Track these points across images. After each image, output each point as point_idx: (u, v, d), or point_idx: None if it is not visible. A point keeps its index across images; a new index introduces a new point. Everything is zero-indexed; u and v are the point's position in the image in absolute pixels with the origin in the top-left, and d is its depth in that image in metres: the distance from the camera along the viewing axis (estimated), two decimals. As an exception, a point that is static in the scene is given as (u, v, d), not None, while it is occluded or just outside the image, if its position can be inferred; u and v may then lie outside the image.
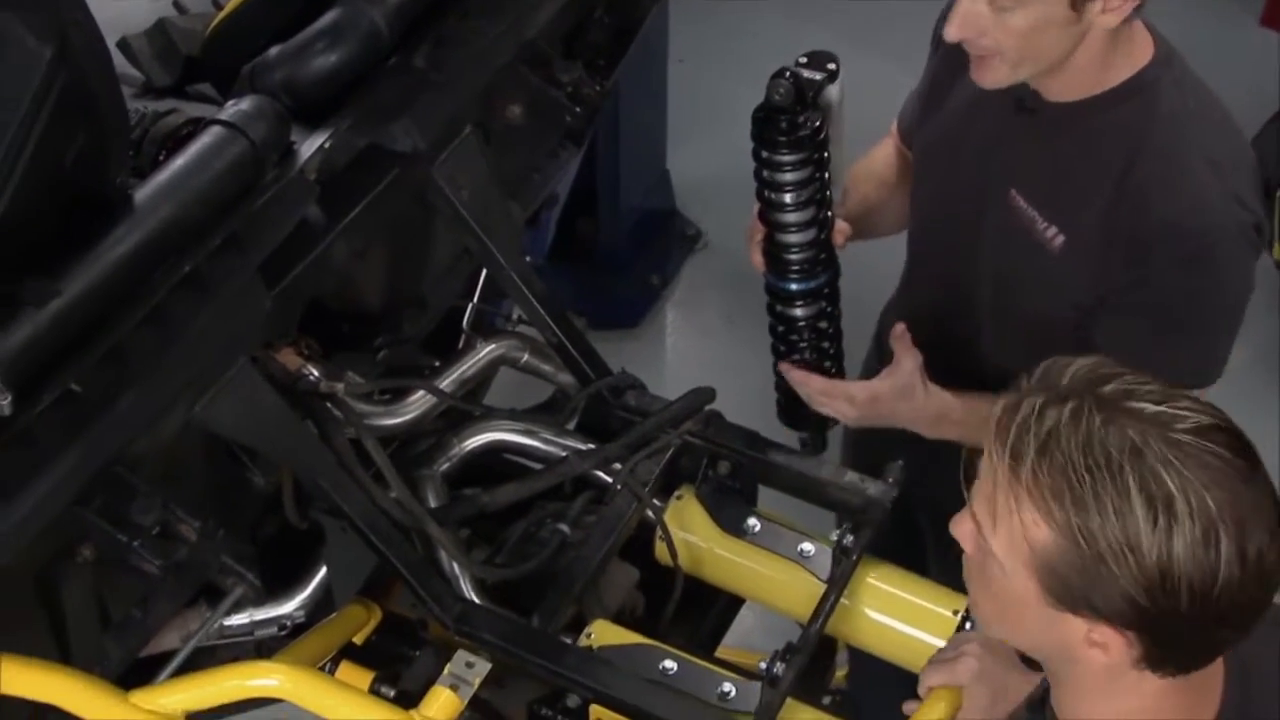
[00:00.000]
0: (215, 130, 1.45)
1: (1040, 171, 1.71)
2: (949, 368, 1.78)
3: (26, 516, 1.26)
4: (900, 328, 1.78)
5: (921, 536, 2.09)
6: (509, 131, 1.88)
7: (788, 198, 1.76)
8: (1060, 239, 1.69)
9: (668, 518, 1.69)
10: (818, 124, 1.72)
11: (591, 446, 1.74)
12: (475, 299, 1.92)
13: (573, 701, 1.53)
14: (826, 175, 1.77)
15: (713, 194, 3.51)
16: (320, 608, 1.67)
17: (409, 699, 1.48)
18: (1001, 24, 1.55)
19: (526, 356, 1.84)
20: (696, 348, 3.34)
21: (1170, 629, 1.10)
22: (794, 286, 1.83)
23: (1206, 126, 1.66)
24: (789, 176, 1.74)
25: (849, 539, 1.64)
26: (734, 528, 1.70)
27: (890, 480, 1.70)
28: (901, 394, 1.74)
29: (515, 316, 1.90)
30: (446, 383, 1.76)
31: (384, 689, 1.61)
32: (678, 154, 3.46)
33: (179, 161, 1.42)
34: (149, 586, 1.52)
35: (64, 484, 1.30)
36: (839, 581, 1.61)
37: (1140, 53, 1.64)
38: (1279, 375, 3.15)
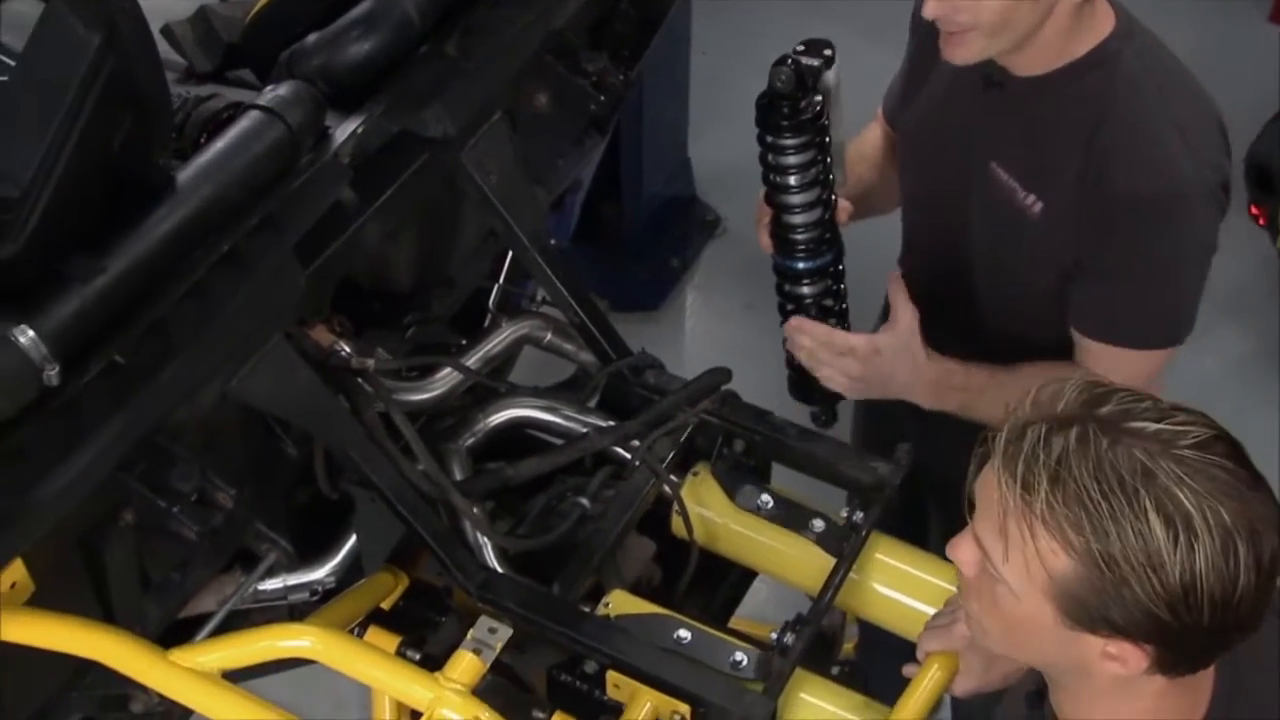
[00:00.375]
0: (254, 115, 1.46)
1: (1015, 143, 1.73)
2: (948, 340, 1.78)
3: (72, 481, 1.28)
4: (895, 276, 1.79)
5: (926, 514, 2.09)
6: (536, 119, 1.89)
7: (792, 180, 1.77)
8: (1039, 206, 1.70)
9: (684, 493, 1.69)
10: (819, 108, 1.74)
11: (611, 424, 1.74)
12: (501, 280, 1.93)
13: (590, 667, 1.54)
14: (828, 158, 1.78)
15: (732, 181, 3.50)
16: (350, 574, 1.68)
17: (434, 662, 1.49)
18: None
19: (549, 336, 1.84)
20: (714, 330, 3.34)
21: (1190, 638, 1.10)
22: (800, 265, 1.84)
23: (1169, 93, 1.67)
24: (793, 159, 1.76)
25: (858, 515, 1.65)
26: (748, 504, 1.69)
27: (899, 460, 1.69)
28: (900, 352, 1.74)
29: (539, 297, 1.90)
30: (472, 360, 1.77)
31: (410, 652, 1.62)
32: (698, 143, 3.46)
33: (219, 144, 1.44)
34: (187, 551, 1.53)
35: (107, 451, 1.32)
36: (848, 556, 1.61)
37: (1102, 25, 1.65)
38: (1278, 368, 3.14)
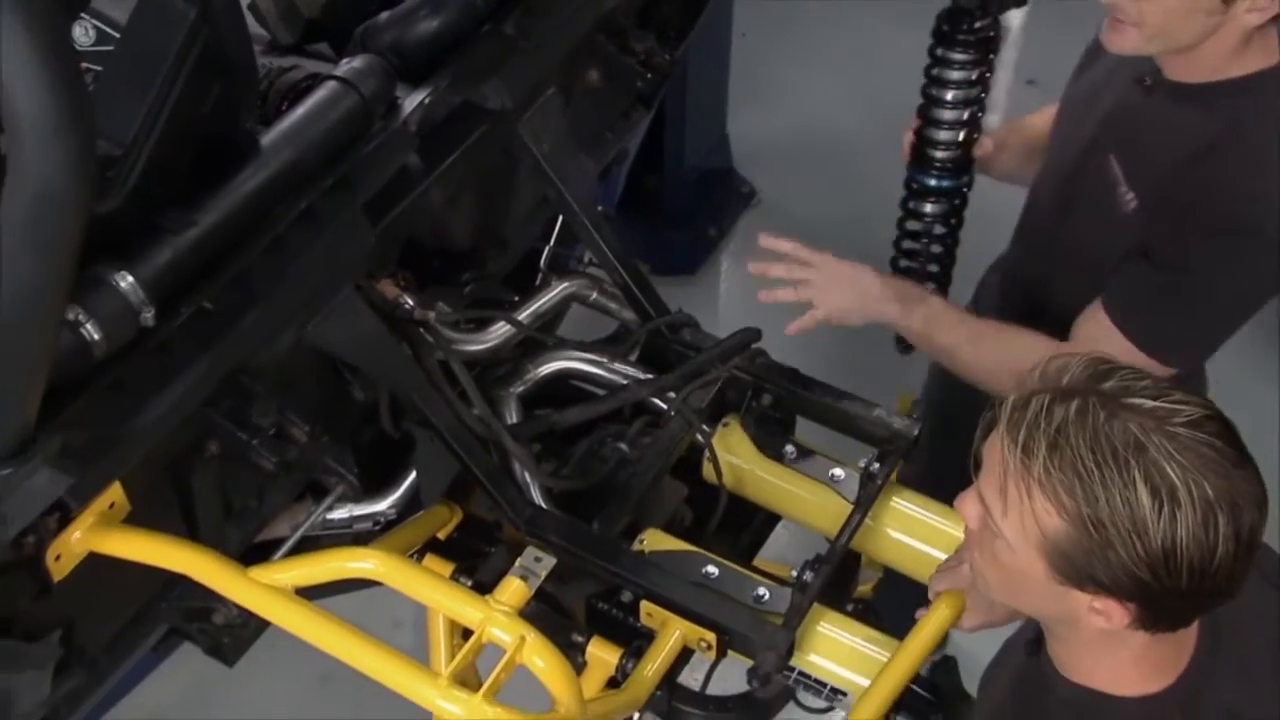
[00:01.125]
0: (331, 85, 1.47)
1: (1136, 141, 1.69)
2: (1029, 308, 1.77)
3: (164, 413, 1.30)
4: None
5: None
6: (586, 93, 1.89)
7: (949, 94, 1.78)
8: (1134, 204, 1.67)
9: (715, 442, 1.70)
10: (993, 34, 1.73)
11: (650, 376, 1.74)
12: (551, 242, 1.93)
13: (626, 597, 1.56)
14: (985, 88, 1.77)
15: (767, 156, 3.49)
16: (409, 507, 1.69)
17: (484, 588, 1.51)
18: None
19: (595, 295, 1.85)
20: (746, 293, 3.26)
21: (1169, 599, 1.11)
22: (931, 182, 1.84)
23: None
24: (956, 74, 1.77)
25: (875, 466, 1.65)
26: (773, 453, 1.71)
27: (914, 416, 1.70)
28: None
29: (586, 259, 1.90)
30: (524, 315, 1.78)
31: (462, 578, 1.63)
32: (736, 119, 3.43)
33: (299, 111, 1.45)
34: (264, 481, 1.56)
35: (195, 387, 1.34)
36: (864, 503, 1.62)
37: (1263, 57, 1.60)
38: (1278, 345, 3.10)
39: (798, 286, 1.81)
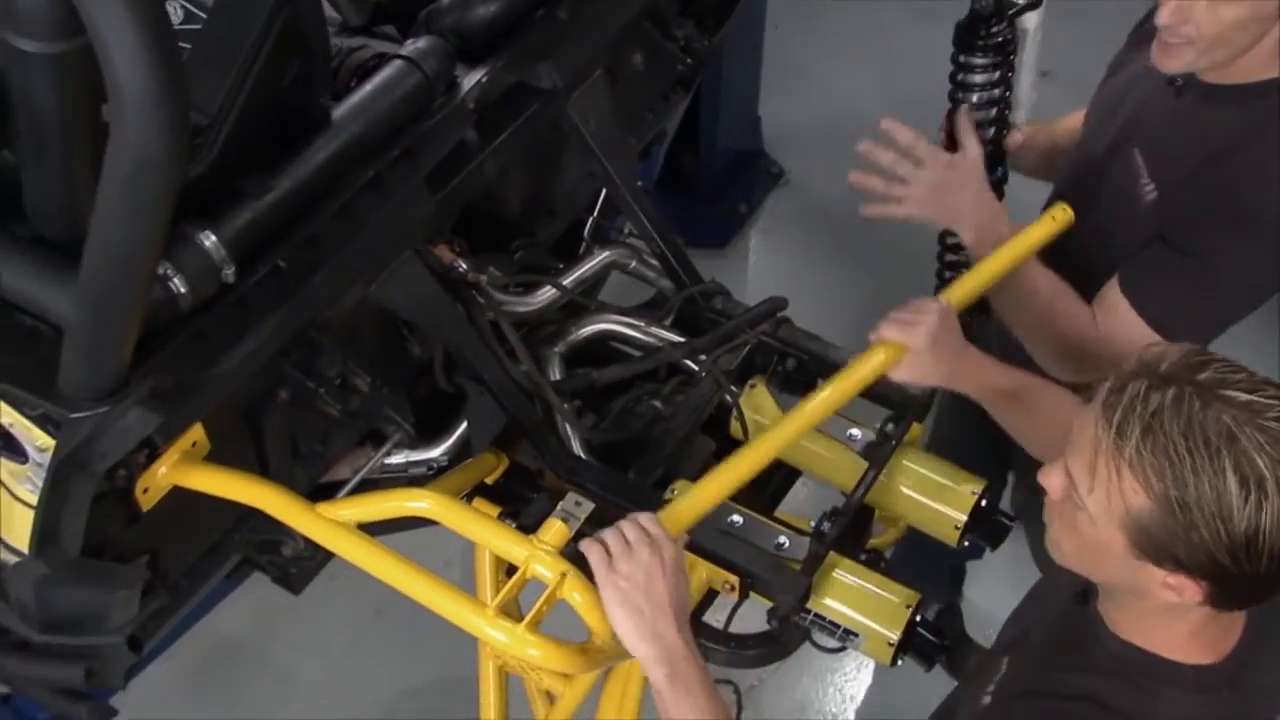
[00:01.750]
0: (397, 64, 1.49)
1: (1162, 135, 1.66)
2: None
3: (242, 361, 1.33)
4: (964, 111, 1.76)
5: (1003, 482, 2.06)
6: (631, 76, 1.89)
7: (974, 97, 1.77)
8: (1153, 196, 1.65)
9: (742, 401, 1.70)
10: (1009, 36, 1.73)
11: (683, 340, 1.75)
12: (595, 213, 1.93)
13: None
14: (1008, 88, 1.77)
15: (795, 139, 3.47)
16: (459, 454, 1.71)
17: (527, 530, 1.49)
18: (1212, 12, 1.49)
19: (634, 263, 1.85)
20: (773, 266, 3.32)
21: (1243, 582, 1.11)
22: None
23: None
24: (977, 78, 1.77)
25: (890, 427, 1.65)
26: None
27: None
28: (969, 175, 1.70)
29: (626, 230, 1.91)
30: (568, 280, 1.79)
31: (508, 521, 1.62)
32: (767, 104, 3.42)
33: (367, 88, 1.46)
34: (329, 427, 1.58)
35: (270, 339, 1.36)
36: (879, 461, 1.62)
37: None
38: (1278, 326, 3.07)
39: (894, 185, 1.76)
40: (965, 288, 1.65)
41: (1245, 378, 1.11)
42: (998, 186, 1.89)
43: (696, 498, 1.47)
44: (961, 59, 1.76)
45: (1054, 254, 1.85)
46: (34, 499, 1.28)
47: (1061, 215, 1.68)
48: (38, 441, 1.24)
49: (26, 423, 1.23)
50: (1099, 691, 1.24)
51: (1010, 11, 1.72)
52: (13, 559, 1.36)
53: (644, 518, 1.34)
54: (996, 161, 1.84)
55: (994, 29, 1.73)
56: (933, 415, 2.21)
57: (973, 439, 1.86)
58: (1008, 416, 1.55)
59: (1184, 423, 1.07)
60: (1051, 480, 1.20)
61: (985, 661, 1.45)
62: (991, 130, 1.80)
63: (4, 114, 1.16)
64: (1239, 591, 1.14)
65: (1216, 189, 1.59)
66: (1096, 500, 1.13)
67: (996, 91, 1.78)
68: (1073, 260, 1.81)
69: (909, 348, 1.50)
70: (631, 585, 1.27)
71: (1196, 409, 1.08)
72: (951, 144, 1.82)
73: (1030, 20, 1.76)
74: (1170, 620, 1.21)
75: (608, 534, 1.32)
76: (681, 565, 1.32)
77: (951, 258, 1.96)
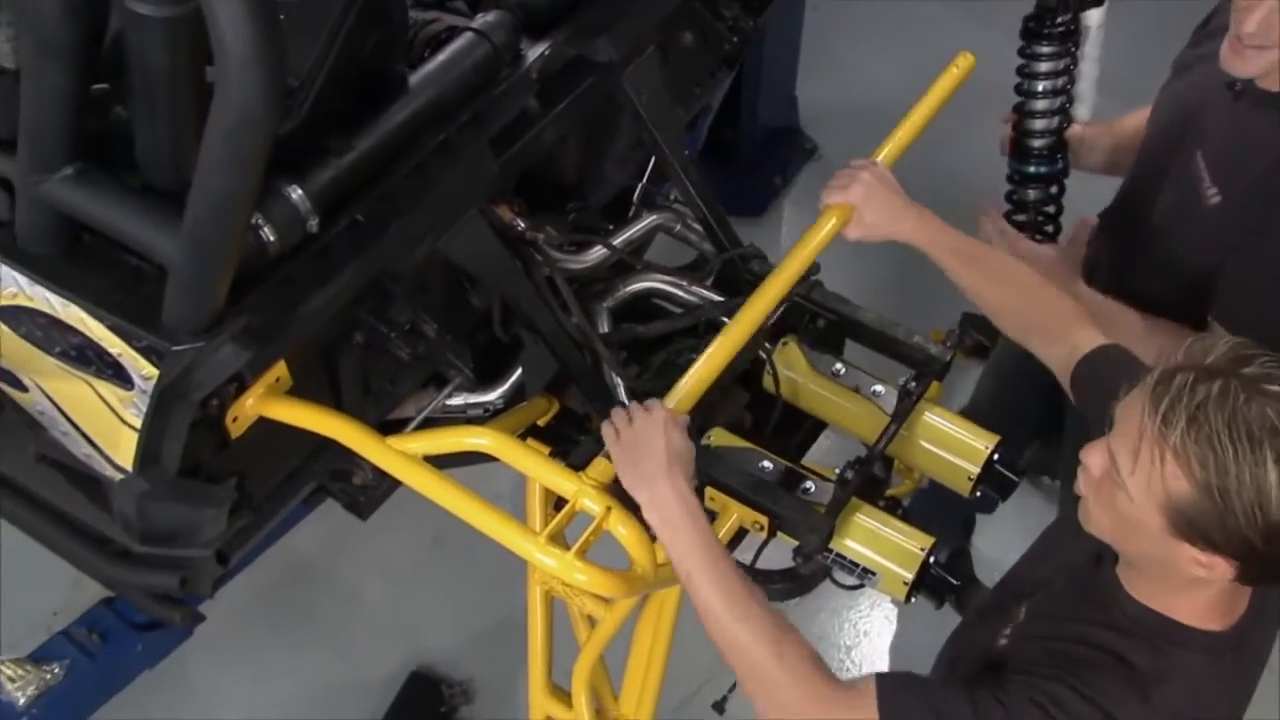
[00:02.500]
0: (467, 35, 1.49)
1: (1224, 140, 1.63)
2: (1110, 292, 1.74)
3: (322, 305, 1.35)
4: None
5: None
6: (681, 53, 1.89)
7: (1040, 86, 1.75)
8: (1216, 199, 1.61)
9: (775, 357, 1.70)
10: (1073, 27, 1.71)
11: (722, 299, 1.75)
12: (644, 180, 1.93)
13: (694, 483, 1.55)
14: (1072, 80, 1.75)
15: (829, 117, 3.45)
16: (514, 398, 1.72)
17: (575, 468, 1.49)
18: None
19: (679, 227, 1.85)
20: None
21: (1275, 561, 1.11)
22: (1031, 169, 1.81)
23: None
24: (1043, 66, 1.75)
25: (912, 384, 1.65)
26: (824, 369, 1.71)
27: (947, 344, 1.70)
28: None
29: (672, 196, 1.90)
30: (618, 241, 1.79)
31: (557, 460, 1.62)
32: (804, 84, 3.39)
33: (440, 58, 1.47)
34: (398, 368, 1.60)
35: (347, 285, 1.37)
36: (900, 415, 1.62)
37: None
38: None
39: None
40: (894, 145, 1.68)
41: None
42: (1058, 178, 1.86)
43: (692, 380, 1.51)
44: (1029, 49, 1.74)
45: (1114, 248, 1.83)
46: (138, 422, 1.31)
47: (964, 62, 1.70)
48: (143, 371, 1.27)
49: (134, 353, 1.26)
50: (1117, 646, 1.24)
51: (1074, 5, 1.69)
52: (118, 476, 1.39)
53: (647, 402, 1.41)
54: (1057, 152, 1.81)
55: (1059, 20, 1.69)
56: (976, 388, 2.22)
57: (1004, 412, 1.85)
58: (963, 277, 1.54)
59: (1228, 415, 1.06)
60: (1093, 458, 1.19)
61: (1001, 606, 1.46)
62: (1055, 120, 1.77)
63: (120, 73, 1.18)
64: (1268, 569, 1.13)
65: None
66: (1137, 482, 1.12)
67: (1060, 82, 1.76)
68: (1133, 256, 1.78)
69: (853, 206, 1.51)
70: (628, 445, 1.36)
71: (1241, 402, 1.06)
72: (1018, 137, 1.79)
73: (1093, 18, 1.73)
74: (1191, 591, 1.21)
75: (616, 413, 1.41)
76: (673, 425, 1.37)
77: (1018, 217, 1.92)
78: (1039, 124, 1.81)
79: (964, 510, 2.52)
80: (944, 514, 2.35)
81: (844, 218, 1.55)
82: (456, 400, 1.71)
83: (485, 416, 1.72)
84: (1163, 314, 1.71)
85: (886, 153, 1.69)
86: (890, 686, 1.25)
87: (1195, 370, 1.09)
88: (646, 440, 1.36)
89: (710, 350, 1.55)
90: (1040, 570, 1.45)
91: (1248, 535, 1.08)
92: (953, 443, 1.65)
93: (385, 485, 1.67)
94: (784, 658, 1.26)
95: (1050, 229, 1.91)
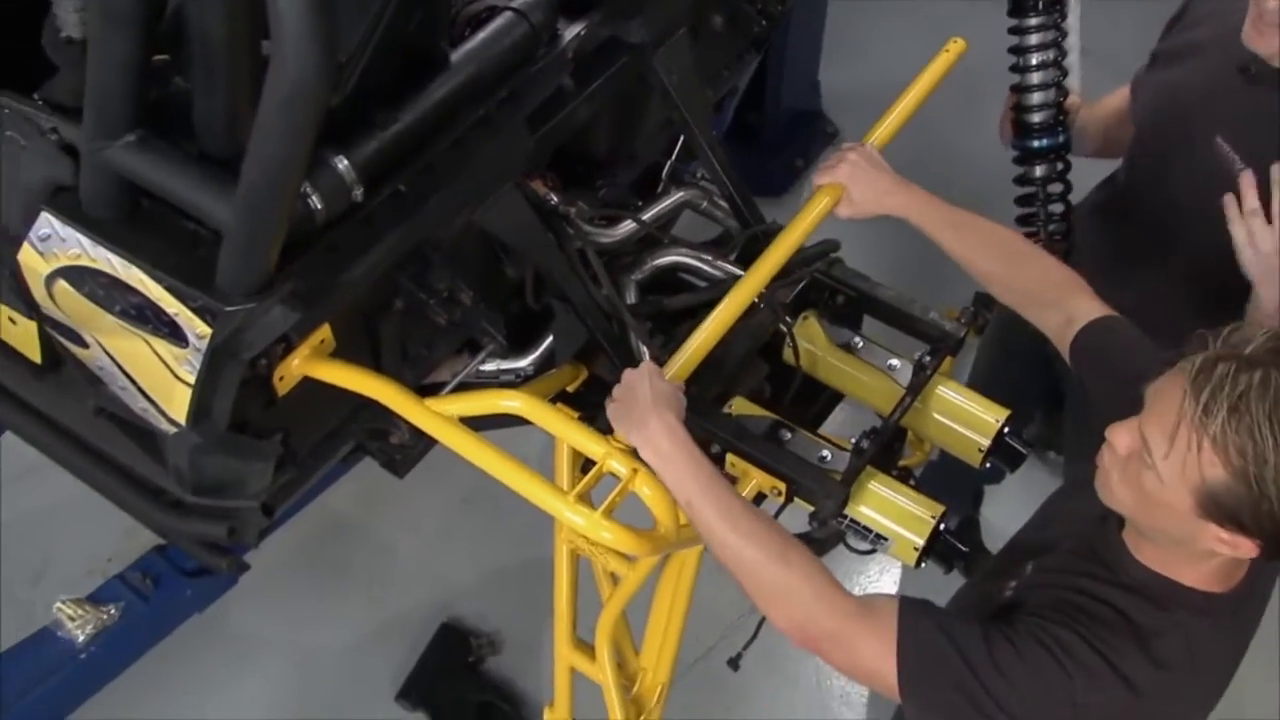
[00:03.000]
0: (507, 15, 1.48)
1: (1248, 123, 1.60)
2: (1135, 279, 1.71)
3: (366, 271, 1.35)
4: None
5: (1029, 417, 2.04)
6: (711, 35, 1.88)
7: (1034, 59, 1.74)
8: (1249, 176, 1.58)
9: (795, 330, 1.70)
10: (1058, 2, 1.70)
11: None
12: (672, 158, 1.92)
13: (715, 449, 1.57)
14: (1062, 52, 1.73)
15: (850, 102, 3.42)
16: (544, 365, 1.72)
17: (603, 433, 1.49)
18: None
19: (705, 204, 1.84)
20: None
21: None
22: (1034, 144, 1.79)
23: None
24: (1034, 39, 1.74)
25: (926, 359, 1.65)
26: (843, 343, 1.70)
27: (961, 321, 1.69)
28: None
29: (699, 174, 1.90)
30: (647, 216, 1.79)
31: (586, 425, 1.67)
32: (827, 69, 3.37)
33: (481, 36, 1.46)
34: (435, 334, 1.60)
35: (389, 253, 1.37)
36: (914, 388, 1.62)
37: None
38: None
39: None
40: (886, 127, 1.69)
41: None
42: (1061, 151, 1.83)
43: (690, 349, 1.54)
44: (1017, 23, 1.72)
45: (1119, 230, 1.80)
46: (192, 379, 1.32)
47: (955, 46, 1.71)
48: (197, 329, 1.28)
49: (189, 313, 1.27)
50: (1120, 602, 1.24)
51: None
52: (172, 430, 1.41)
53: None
54: (1058, 126, 1.79)
55: None
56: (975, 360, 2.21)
57: (1004, 385, 1.84)
58: (954, 247, 1.55)
59: (1270, 406, 1.05)
60: (1121, 437, 1.17)
61: (1007, 566, 1.46)
62: (1052, 93, 1.75)
63: (180, 45, 1.19)
64: None
65: None
66: (1171, 465, 1.11)
67: (1051, 53, 1.74)
68: (1143, 236, 1.76)
69: (842, 186, 1.53)
70: (619, 399, 1.40)
71: None
72: (1017, 115, 1.77)
73: None
74: (1199, 561, 1.21)
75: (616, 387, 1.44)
76: (656, 374, 1.41)
77: (1026, 210, 1.90)
78: (1036, 97, 1.79)
79: (973, 482, 2.52)
80: (954, 485, 2.35)
81: (834, 197, 1.57)
82: (489, 366, 1.71)
83: (516, 382, 1.73)
84: (1189, 301, 1.68)
85: (878, 135, 1.70)
86: (910, 609, 1.26)
87: (1236, 360, 1.07)
88: (632, 390, 1.39)
89: (705, 324, 1.56)
90: (1046, 534, 1.45)
91: (1278, 519, 1.07)
92: (964, 415, 1.65)
93: (421, 445, 1.69)
94: (792, 566, 1.26)
95: (1060, 208, 1.89)
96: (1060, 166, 1.87)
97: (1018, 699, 1.20)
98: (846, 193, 1.55)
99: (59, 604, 1.78)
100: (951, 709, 1.22)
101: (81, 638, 1.75)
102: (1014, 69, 1.79)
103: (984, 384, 1.90)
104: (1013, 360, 2.10)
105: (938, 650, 1.22)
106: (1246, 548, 1.13)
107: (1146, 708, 1.22)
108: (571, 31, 1.56)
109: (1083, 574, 1.30)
